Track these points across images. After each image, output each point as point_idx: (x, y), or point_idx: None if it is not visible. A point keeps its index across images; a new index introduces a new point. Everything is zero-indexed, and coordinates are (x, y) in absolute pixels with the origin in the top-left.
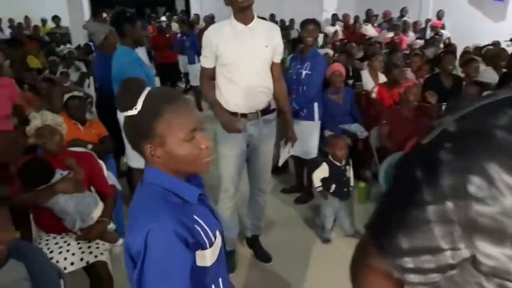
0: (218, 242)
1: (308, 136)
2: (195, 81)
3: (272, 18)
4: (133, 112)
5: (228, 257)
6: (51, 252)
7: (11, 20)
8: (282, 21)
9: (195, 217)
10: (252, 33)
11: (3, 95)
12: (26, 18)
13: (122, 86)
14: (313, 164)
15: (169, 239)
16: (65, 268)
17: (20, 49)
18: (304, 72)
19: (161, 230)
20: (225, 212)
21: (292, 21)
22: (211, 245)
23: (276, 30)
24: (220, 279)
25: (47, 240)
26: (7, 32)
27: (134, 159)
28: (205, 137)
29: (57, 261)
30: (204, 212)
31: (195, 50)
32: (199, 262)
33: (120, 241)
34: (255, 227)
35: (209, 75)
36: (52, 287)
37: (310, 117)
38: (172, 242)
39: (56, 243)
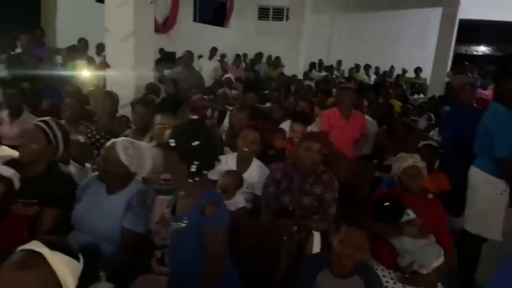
0: None
1: None
2: None
3: None
4: None
5: None
6: None
7: (377, 68)
8: None
9: None
10: None
11: (355, 125)
12: (392, 67)
13: None
14: None
15: None
16: None
17: (382, 94)
18: None
19: None
20: None
21: None
22: None
23: None
24: None
25: (376, 269)
26: (372, 78)
27: (472, 223)
28: None
29: None
30: None
31: None
32: None
33: None
34: None
35: None
36: None
37: None
38: None
39: (384, 276)
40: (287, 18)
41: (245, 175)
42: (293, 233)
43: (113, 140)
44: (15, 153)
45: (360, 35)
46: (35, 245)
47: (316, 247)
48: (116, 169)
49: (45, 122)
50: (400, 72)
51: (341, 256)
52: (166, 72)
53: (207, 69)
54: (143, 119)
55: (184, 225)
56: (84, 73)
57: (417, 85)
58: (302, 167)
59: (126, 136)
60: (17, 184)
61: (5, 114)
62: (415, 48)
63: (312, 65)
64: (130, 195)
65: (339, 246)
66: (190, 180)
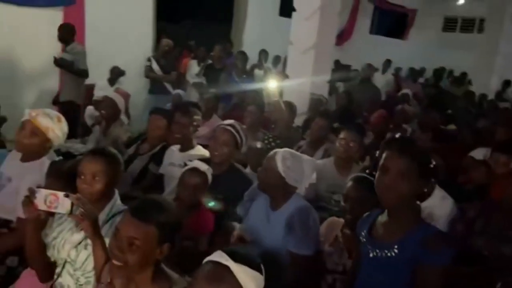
0: None
1: None
2: None
3: None
4: None
5: None
6: None
7: None
8: None
9: None
10: None
11: None
12: None
13: None
14: None
15: None
16: None
17: None
18: None
19: None
20: None
21: None
22: None
23: None
24: None
25: None
26: None
27: None
28: None
29: None
30: None
31: None
32: None
33: None
34: None
35: None
36: None
37: None
38: None
39: None
40: (479, 30)
41: None
42: None
43: (275, 150)
44: (207, 154)
45: None
46: (222, 257)
47: None
48: (273, 180)
49: (234, 127)
50: None
51: None
52: (338, 84)
53: (380, 83)
54: (320, 131)
55: (393, 254)
56: (267, 83)
57: None
58: (507, 207)
59: (300, 147)
60: (210, 179)
61: None
62: None
63: (507, 84)
64: (290, 211)
65: None
66: (418, 202)
